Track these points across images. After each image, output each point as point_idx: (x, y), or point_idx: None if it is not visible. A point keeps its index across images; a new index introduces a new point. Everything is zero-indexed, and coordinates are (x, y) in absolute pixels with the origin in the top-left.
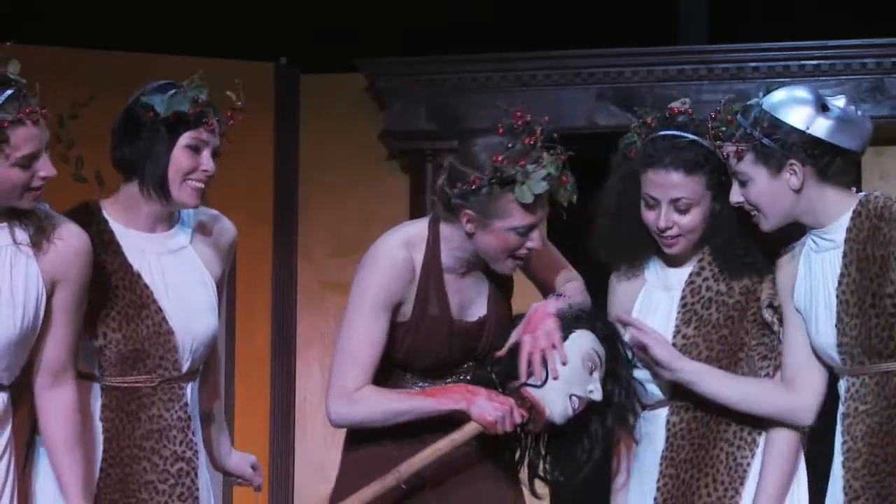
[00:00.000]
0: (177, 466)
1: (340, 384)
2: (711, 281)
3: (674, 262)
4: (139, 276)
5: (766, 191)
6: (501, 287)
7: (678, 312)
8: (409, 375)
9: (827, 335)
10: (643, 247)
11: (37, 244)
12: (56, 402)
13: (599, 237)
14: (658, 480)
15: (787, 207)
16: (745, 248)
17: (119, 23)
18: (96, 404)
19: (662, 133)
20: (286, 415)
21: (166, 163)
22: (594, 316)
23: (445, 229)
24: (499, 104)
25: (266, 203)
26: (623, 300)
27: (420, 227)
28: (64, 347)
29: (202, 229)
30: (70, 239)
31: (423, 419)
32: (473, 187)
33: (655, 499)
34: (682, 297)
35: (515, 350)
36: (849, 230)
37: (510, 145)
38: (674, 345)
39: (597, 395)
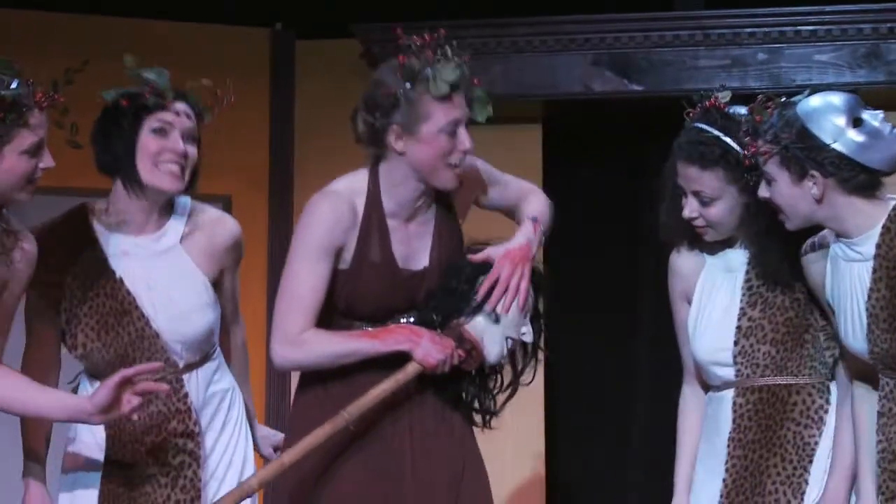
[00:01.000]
0: (178, 459)
1: (283, 328)
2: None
3: (735, 243)
4: (122, 282)
5: (788, 194)
6: (447, 236)
7: (743, 294)
8: (351, 322)
9: (858, 342)
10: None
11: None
12: None
13: (661, 218)
14: (726, 462)
15: (808, 213)
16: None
17: None
18: None
19: (694, 125)
20: (282, 384)
21: (134, 150)
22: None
23: (383, 169)
24: (493, 70)
25: (262, 168)
26: (684, 279)
27: (360, 174)
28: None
29: (197, 228)
30: (26, 247)
31: (368, 359)
32: (391, 99)
33: (724, 480)
34: (747, 280)
35: (458, 286)
36: (878, 246)
37: (413, 50)
38: (738, 328)
39: (528, 338)
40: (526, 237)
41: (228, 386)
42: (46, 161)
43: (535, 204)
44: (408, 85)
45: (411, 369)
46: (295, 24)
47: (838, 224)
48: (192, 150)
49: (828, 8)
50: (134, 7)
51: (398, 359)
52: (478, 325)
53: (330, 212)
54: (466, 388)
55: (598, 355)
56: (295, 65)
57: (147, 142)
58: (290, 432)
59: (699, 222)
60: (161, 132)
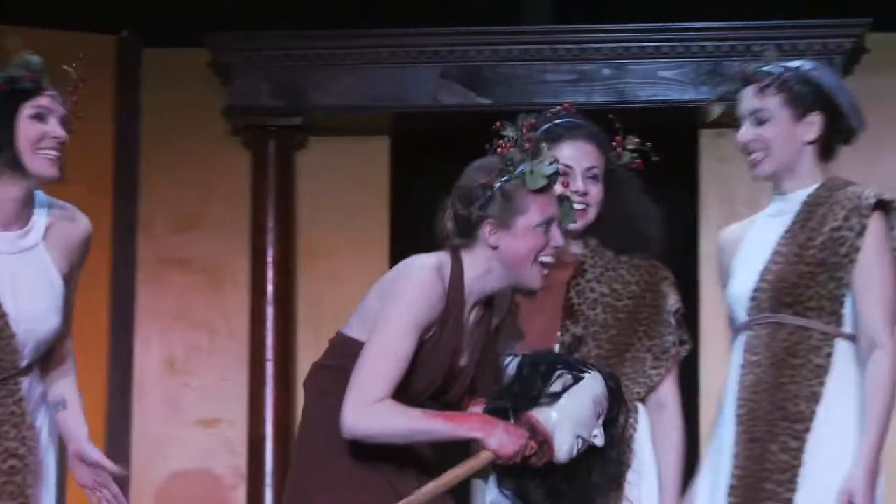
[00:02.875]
0: (8, 463)
1: (365, 393)
2: (594, 283)
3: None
4: None
5: (784, 132)
6: (480, 337)
7: (563, 311)
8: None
9: (747, 281)
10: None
11: None
12: None
13: None
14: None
15: (794, 153)
16: (634, 243)
17: None
18: None
19: (563, 119)
20: (124, 391)
21: (13, 136)
22: (599, 365)
23: (466, 259)
24: (343, 81)
25: (106, 177)
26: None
27: (443, 255)
28: None
29: (55, 225)
30: None
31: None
32: (489, 190)
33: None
34: (568, 299)
35: (527, 376)
36: (809, 195)
37: (513, 138)
38: (561, 343)
39: (599, 441)
40: None
41: (60, 393)
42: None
43: None
44: (505, 178)
45: (484, 457)
46: (142, 32)
47: (794, 177)
48: (67, 136)
49: (672, 25)
50: None
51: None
52: (551, 419)
53: (434, 288)
54: (530, 487)
55: None
56: (141, 73)
57: (25, 127)
58: (318, 488)
59: (588, 199)
60: (40, 118)
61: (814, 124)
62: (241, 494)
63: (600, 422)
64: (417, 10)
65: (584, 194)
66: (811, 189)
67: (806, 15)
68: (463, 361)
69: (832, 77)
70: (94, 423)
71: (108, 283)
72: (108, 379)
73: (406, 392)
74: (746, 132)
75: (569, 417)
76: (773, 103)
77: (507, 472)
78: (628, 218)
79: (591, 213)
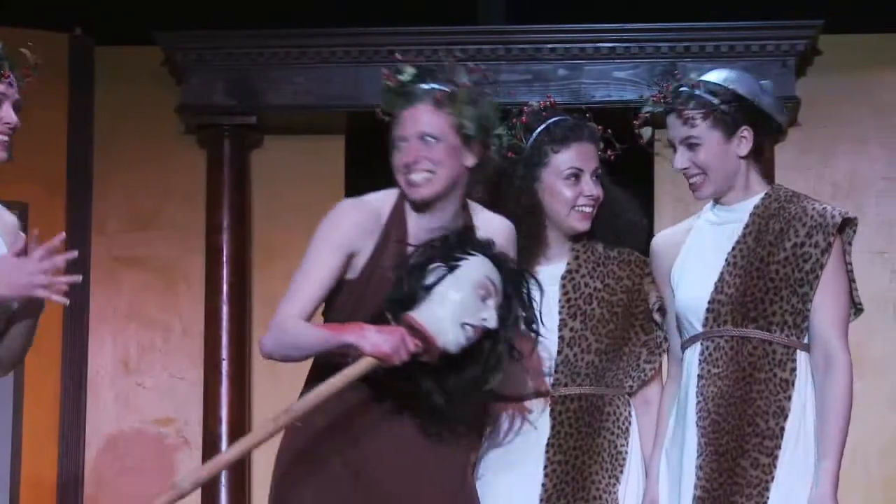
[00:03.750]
0: None
1: (276, 316)
2: (588, 278)
3: (545, 261)
4: None
5: (718, 153)
6: None
7: (562, 307)
8: None
9: (701, 293)
10: (531, 250)
11: None
12: None
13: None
14: (546, 467)
15: (732, 170)
16: (621, 234)
17: None
18: None
19: (561, 117)
20: (77, 388)
21: None
22: (495, 250)
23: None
24: (298, 80)
25: (59, 176)
26: None
27: (382, 193)
28: None
29: None
30: None
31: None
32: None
33: (544, 484)
34: (564, 293)
35: (406, 278)
36: (756, 207)
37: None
38: (561, 338)
39: (491, 323)
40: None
41: None
42: None
43: None
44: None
45: (363, 363)
46: (94, 29)
47: (734, 190)
48: (18, 120)
49: (627, 26)
50: None
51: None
52: (425, 314)
53: (349, 213)
54: (422, 383)
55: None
56: (94, 71)
57: None
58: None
59: (597, 202)
60: None
61: (745, 138)
62: (195, 494)
63: (490, 304)
64: (372, 10)
65: (593, 198)
66: (756, 199)
67: (759, 16)
68: None
69: (751, 82)
70: (47, 422)
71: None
72: (62, 378)
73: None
74: (681, 159)
75: (445, 308)
76: (702, 128)
77: (402, 374)
78: (612, 209)
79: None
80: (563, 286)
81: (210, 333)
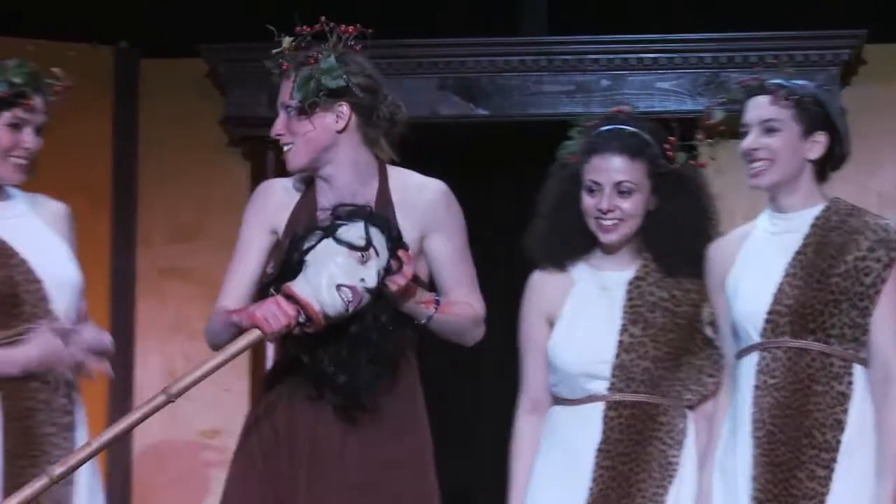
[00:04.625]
0: (65, 419)
1: (215, 304)
2: (654, 287)
3: (612, 265)
4: None
5: (791, 145)
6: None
7: (625, 312)
8: None
9: (760, 303)
10: (575, 247)
11: None
12: None
13: (534, 237)
14: (594, 472)
15: (796, 169)
16: (688, 257)
17: None
18: None
19: (607, 126)
20: (124, 401)
21: None
22: (378, 216)
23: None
24: None
25: (105, 189)
26: (549, 298)
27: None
28: None
29: (33, 203)
30: None
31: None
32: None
33: (591, 489)
34: (629, 298)
35: (287, 250)
36: (817, 218)
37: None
38: (620, 342)
39: (370, 282)
40: (421, 294)
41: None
42: None
43: (459, 307)
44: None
45: (246, 337)
46: (140, 42)
47: (792, 194)
48: (40, 143)
49: (669, 36)
50: None
51: None
52: (300, 282)
53: (263, 189)
54: (324, 361)
55: (443, 381)
56: (139, 83)
57: (0, 134)
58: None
59: (614, 215)
60: (16, 127)
61: (819, 143)
62: None
63: (370, 265)
64: (415, 22)
65: (610, 211)
66: (817, 210)
67: (804, 26)
68: None
69: (836, 102)
70: (94, 433)
71: (108, 295)
72: (109, 390)
73: None
74: (754, 140)
75: (319, 273)
76: (786, 115)
77: (298, 346)
78: (677, 230)
79: (626, 228)
80: (629, 291)
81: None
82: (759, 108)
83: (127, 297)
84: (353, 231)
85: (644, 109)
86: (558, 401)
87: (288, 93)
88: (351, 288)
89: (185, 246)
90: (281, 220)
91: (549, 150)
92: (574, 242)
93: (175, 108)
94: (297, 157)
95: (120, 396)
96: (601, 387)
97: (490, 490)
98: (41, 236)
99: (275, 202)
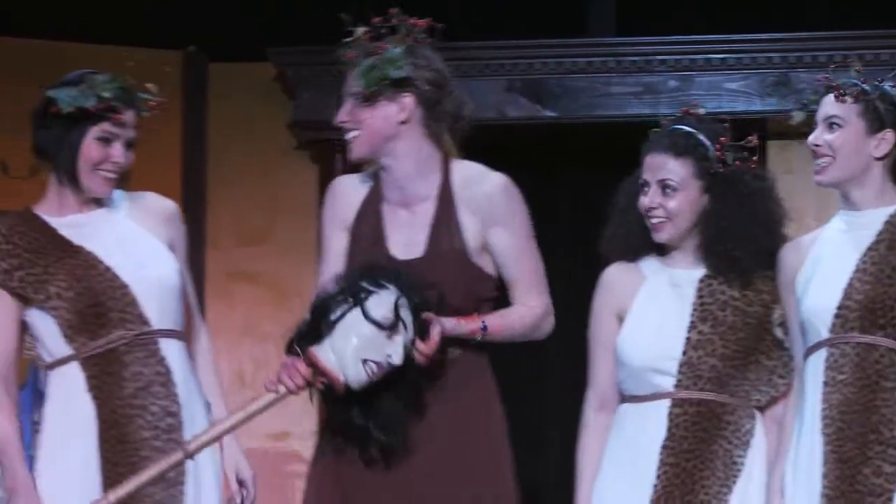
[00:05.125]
0: (166, 421)
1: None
2: (726, 286)
3: (682, 262)
4: (80, 247)
5: (854, 142)
6: (447, 232)
7: (694, 309)
8: None
9: (830, 298)
10: (645, 243)
11: None
12: None
13: (607, 233)
14: (658, 468)
15: (859, 167)
16: (756, 257)
17: (27, 9)
18: (79, 381)
19: (670, 127)
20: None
21: (76, 154)
22: (407, 281)
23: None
24: None
25: (174, 192)
26: (619, 294)
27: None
28: None
29: (134, 205)
30: None
31: None
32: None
33: (655, 486)
34: (700, 296)
35: (314, 310)
36: (891, 216)
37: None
38: (687, 339)
39: (395, 360)
40: (453, 328)
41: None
42: None
43: (514, 316)
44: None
45: (265, 399)
46: (208, 46)
47: (862, 190)
48: (131, 157)
49: (737, 37)
50: (45, 29)
51: None
52: (326, 350)
53: (334, 186)
54: (354, 417)
55: (511, 384)
56: (208, 87)
57: (89, 148)
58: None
59: (659, 213)
60: (105, 141)
61: (886, 141)
62: None
63: (396, 340)
64: (482, 24)
65: (653, 209)
66: (891, 209)
67: (874, 25)
68: (397, 252)
69: None
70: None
71: None
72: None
73: None
74: (816, 136)
75: (347, 344)
76: (850, 112)
77: (338, 413)
78: (733, 231)
79: (672, 227)
80: (699, 290)
81: None
82: (825, 105)
83: (196, 300)
84: (382, 304)
85: (712, 110)
86: (625, 398)
87: (353, 80)
88: (377, 363)
89: (253, 249)
90: (350, 216)
91: (616, 151)
92: (645, 239)
93: (243, 112)
94: (359, 145)
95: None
96: (668, 383)
97: (558, 488)
98: (132, 239)
99: (343, 199)
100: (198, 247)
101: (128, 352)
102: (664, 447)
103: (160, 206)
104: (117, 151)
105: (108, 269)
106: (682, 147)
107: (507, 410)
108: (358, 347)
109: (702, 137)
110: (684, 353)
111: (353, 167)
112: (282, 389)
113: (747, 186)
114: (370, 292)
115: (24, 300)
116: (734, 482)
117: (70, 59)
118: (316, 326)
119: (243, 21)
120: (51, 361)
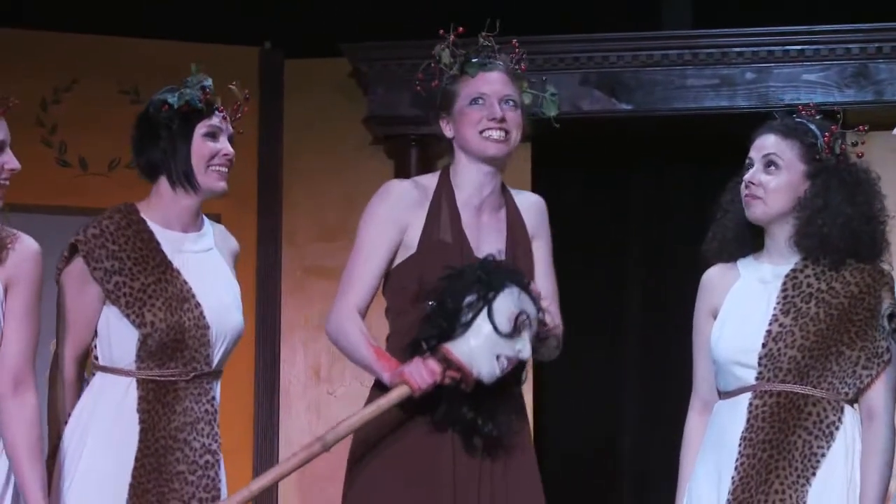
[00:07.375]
0: (204, 458)
1: (338, 298)
2: (813, 279)
3: (774, 259)
4: (178, 272)
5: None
6: (520, 233)
7: (778, 302)
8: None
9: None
10: (742, 241)
11: None
12: (17, 410)
13: (710, 233)
14: (737, 459)
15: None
16: (841, 236)
17: (101, 6)
18: (131, 397)
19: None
20: (270, 399)
21: (188, 153)
22: (521, 278)
23: (452, 167)
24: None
25: (250, 188)
26: (715, 292)
27: (433, 174)
28: (24, 355)
29: (217, 234)
30: (22, 244)
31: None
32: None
33: (733, 477)
34: (784, 290)
35: (439, 310)
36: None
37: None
38: (768, 332)
39: (525, 354)
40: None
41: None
42: (12, 163)
43: (556, 327)
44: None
45: (395, 394)
46: (283, 42)
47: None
48: (233, 151)
49: (816, 27)
50: (122, 26)
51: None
52: (462, 348)
53: (393, 187)
54: (460, 410)
55: (584, 379)
56: (283, 84)
57: (199, 145)
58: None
59: (755, 191)
60: (212, 136)
61: None
62: None
63: (525, 335)
64: (557, 17)
65: (753, 184)
66: None
67: None
68: (491, 251)
69: None
70: (242, 432)
71: (254, 293)
72: (255, 388)
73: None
74: None
75: (481, 341)
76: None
77: (446, 405)
78: (831, 221)
79: (764, 206)
80: (784, 283)
81: None
82: None
83: (273, 295)
84: (508, 302)
85: (790, 102)
86: (720, 395)
87: (510, 85)
88: (509, 358)
89: (329, 245)
90: (416, 217)
91: (693, 144)
92: (746, 236)
93: (318, 108)
94: (503, 148)
95: (266, 394)
96: (750, 376)
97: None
98: (221, 278)
99: (408, 200)
100: (274, 242)
101: (185, 387)
102: (743, 438)
103: (233, 245)
104: (225, 144)
105: (198, 305)
106: (792, 129)
107: (586, 418)
108: (492, 344)
109: (812, 126)
110: (764, 345)
111: (428, 163)
112: (413, 385)
113: (851, 175)
114: (496, 291)
115: (114, 303)
116: (813, 474)
117: (146, 57)
118: (446, 326)
119: (318, 17)
120: (108, 366)
